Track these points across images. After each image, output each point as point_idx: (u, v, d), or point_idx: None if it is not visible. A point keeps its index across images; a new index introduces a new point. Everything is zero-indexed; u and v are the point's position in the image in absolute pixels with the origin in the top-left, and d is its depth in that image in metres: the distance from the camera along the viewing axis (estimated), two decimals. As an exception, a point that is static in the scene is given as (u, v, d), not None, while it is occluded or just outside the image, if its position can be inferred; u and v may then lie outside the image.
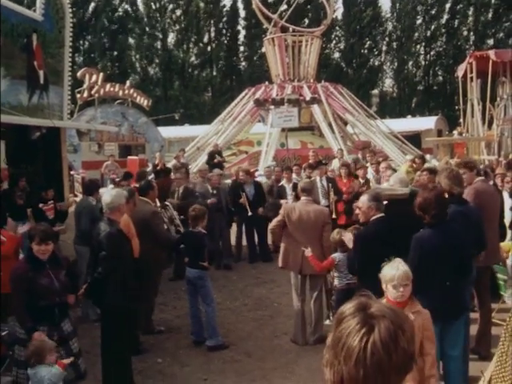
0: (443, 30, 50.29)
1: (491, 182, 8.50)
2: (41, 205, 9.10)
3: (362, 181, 11.28)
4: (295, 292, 7.18)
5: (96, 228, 5.77)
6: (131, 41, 51.72)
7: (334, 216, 10.33)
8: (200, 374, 6.25)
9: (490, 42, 47.34)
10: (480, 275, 6.13)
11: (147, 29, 50.06)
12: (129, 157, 22.31)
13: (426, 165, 10.83)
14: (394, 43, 51.31)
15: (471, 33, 49.77)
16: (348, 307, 1.56)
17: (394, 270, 3.94)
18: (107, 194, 6.08)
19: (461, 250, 4.85)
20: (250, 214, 11.23)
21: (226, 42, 51.63)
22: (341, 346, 1.48)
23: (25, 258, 5.28)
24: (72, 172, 20.49)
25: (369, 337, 1.46)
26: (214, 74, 51.35)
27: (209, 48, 51.88)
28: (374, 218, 5.33)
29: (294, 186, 11.15)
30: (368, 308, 1.53)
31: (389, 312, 1.51)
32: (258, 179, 13.52)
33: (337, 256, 6.91)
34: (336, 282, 7.02)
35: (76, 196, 19.63)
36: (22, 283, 5.03)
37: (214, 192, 11.15)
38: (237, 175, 12.31)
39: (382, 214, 5.37)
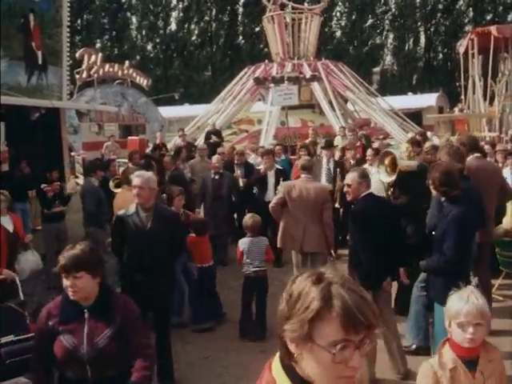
0: (442, 6, 49.86)
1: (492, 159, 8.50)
2: (43, 185, 9.05)
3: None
4: (297, 270, 7.20)
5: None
6: (131, 20, 51.43)
7: (336, 205, 9.50)
8: (202, 352, 6.30)
9: (489, 17, 46.95)
10: (480, 251, 6.15)
11: (150, 8, 49.73)
12: (129, 137, 22.22)
13: (428, 143, 10.75)
14: (395, 20, 50.87)
15: (470, 8, 49.34)
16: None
17: (461, 302, 2.81)
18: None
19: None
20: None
21: (226, 20, 51.25)
22: None
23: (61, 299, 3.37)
24: (72, 153, 20.46)
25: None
26: (214, 51, 50.98)
27: (209, 26, 51.53)
28: (363, 194, 5.36)
29: (277, 173, 10.02)
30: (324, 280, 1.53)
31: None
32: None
33: (245, 242, 6.73)
34: (245, 268, 6.74)
35: (77, 177, 19.65)
36: (40, 338, 3.35)
37: (216, 177, 10.00)
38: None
39: (371, 191, 5.41)
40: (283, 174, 10.00)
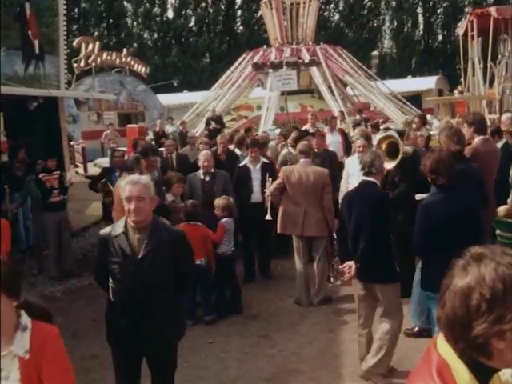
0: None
1: (503, 141, 8.29)
2: (42, 174, 8.96)
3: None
4: (297, 255, 7.22)
5: None
6: (128, 8, 51.06)
7: None
8: (206, 338, 6.32)
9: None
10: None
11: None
12: (128, 125, 22.18)
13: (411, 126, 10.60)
14: (393, 3, 50.57)
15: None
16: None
17: None
18: None
19: (471, 215, 4.84)
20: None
21: (223, 6, 50.97)
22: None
23: None
24: (72, 142, 20.45)
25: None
26: (212, 38, 50.72)
27: (206, 13, 51.24)
28: None
29: (263, 168, 8.20)
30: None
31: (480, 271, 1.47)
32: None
33: (229, 223, 7.08)
34: (223, 248, 7.01)
35: (77, 167, 19.67)
36: None
37: (207, 179, 7.84)
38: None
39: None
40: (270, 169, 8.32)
